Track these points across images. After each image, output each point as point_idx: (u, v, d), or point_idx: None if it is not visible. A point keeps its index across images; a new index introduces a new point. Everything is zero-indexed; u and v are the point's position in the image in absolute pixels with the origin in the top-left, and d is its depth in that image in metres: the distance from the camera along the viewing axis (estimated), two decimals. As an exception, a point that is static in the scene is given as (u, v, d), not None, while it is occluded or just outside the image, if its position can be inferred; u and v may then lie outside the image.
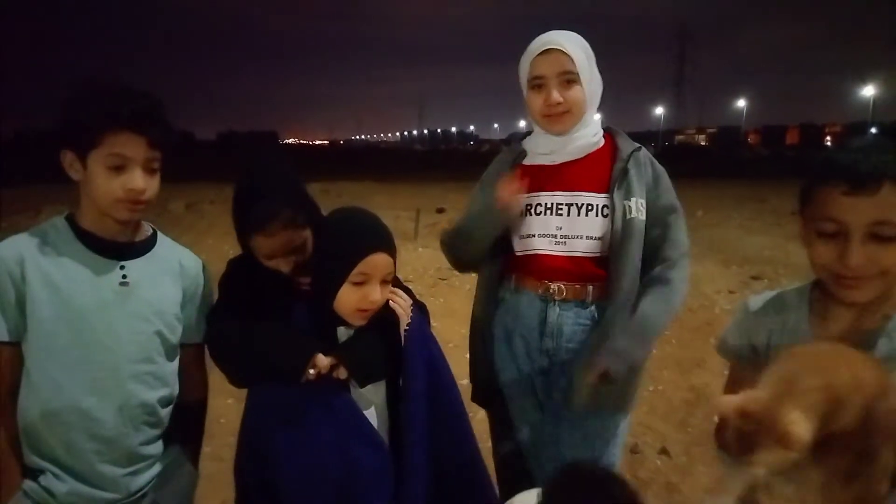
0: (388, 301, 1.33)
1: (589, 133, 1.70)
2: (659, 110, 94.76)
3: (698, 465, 3.02)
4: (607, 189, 1.65)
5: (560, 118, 1.65)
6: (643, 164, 1.68)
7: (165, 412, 1.42)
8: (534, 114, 1.69)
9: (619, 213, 1.62)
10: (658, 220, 1.66)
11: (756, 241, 8.63)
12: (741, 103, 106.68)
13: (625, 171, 1.65)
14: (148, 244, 1.40)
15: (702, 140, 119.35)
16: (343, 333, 1.34)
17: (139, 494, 1.37)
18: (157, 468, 1.41)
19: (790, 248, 8.32)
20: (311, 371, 1.26)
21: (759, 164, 31.06)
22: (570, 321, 1.66)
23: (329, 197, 12.57)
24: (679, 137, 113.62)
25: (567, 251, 1.65)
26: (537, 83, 1.65)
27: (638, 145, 1.72)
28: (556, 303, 1.66)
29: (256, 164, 1.46)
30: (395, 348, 1.33)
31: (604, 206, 1.64)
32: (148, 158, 1.26)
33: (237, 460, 1.35)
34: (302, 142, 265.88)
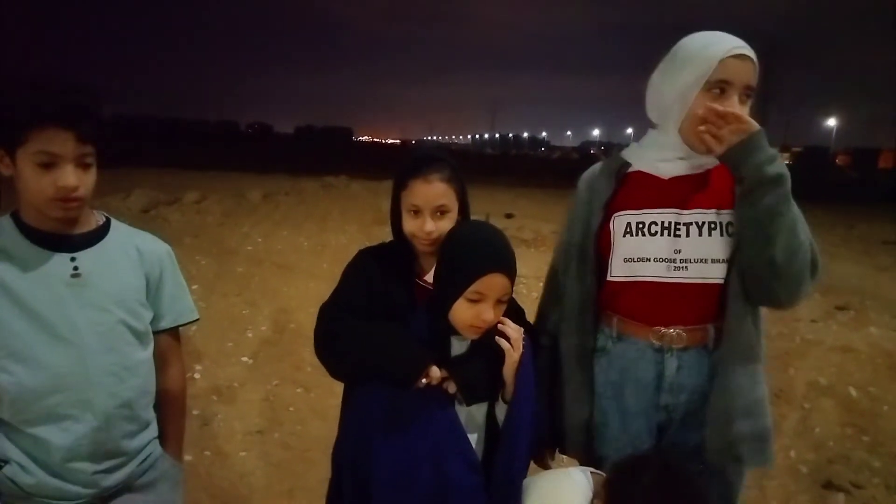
0: (498, 326, 1.33)
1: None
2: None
3: (772, 500, 2.86)
4: (732, 204, 1.40)
5: None
6: None
7: (142, 405, 1.38)
8: (693, 118, 1.38)
9: None
10: None
11: (842, 269, 8.09)
12: (831, 122, 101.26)
13: None
14: (99, 233, 1.35)
15: (786, 159, 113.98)
16: (455, 344, 1.35)
17: (115, 490, 1.35)
18: (134, 464, 1.37)
19: (879, 278, 7.80)
20: (423, 381, 1.27)
21: (849, 188, 29.29)
22: (692, 373, 1.43)
23: (398, 196, 12.56)
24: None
25: (687, 277, 1.41)
26: (719, 87, 1.36)
27: None
28: (675, 353, 1.43)
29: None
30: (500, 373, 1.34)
31: (728, 224, 1.40)
32: (79, 154, 1.21)
33: (336, 449, 1.40)
34: (375, 140, 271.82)
